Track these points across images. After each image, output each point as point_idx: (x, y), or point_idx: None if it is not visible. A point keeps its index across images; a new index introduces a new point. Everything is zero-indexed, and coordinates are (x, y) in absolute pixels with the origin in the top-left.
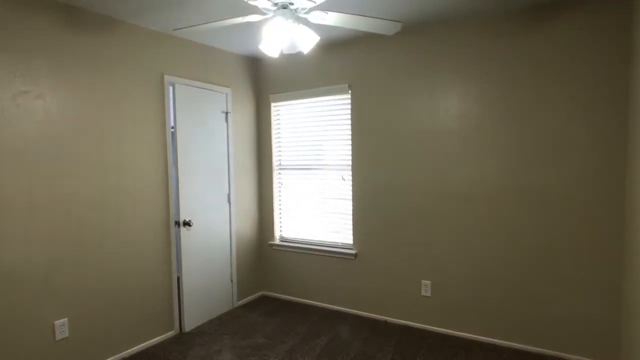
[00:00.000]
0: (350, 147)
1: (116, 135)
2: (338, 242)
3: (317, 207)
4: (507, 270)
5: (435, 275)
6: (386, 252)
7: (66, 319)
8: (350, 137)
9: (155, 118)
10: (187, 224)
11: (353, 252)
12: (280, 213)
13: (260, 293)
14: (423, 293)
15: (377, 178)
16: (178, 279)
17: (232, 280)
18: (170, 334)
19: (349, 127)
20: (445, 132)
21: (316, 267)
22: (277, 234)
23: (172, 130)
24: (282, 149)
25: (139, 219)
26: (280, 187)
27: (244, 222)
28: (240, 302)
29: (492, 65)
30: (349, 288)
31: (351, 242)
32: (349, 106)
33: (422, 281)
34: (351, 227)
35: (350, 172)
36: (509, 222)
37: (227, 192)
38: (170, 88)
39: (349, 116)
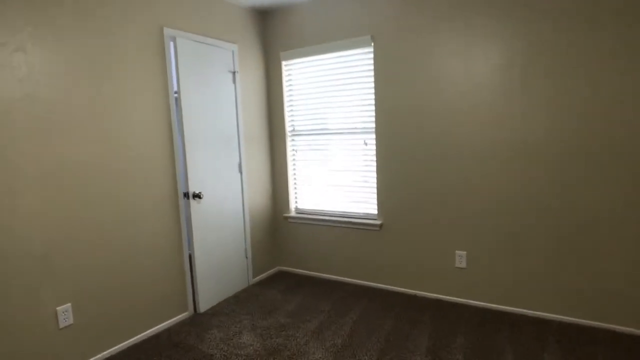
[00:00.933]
0: (373, 108)
1: (114, 98)
2: (360, 213)
3: (335, 176)
4: (557, 242)
5: (471, 245)
6: (414, 221)
7: (69, 304)
8: (373, 96)
9: (155, 78)
10: (197, 196)
11: (378, 222)
12: (295, 183)
13: (276, 269)
14: (457, 265)
15: (404, 141)
16: (190, 256)
17: (247, 256)
18: (184, 315)
19: (372, 85)
20: (485, 86)
21: (336, 240)
22: (293, 205)
23: (176, 95)
24: (295, 113)
25: (144, 192)
26: (294, 154)
27: (257, 193)
28: (256, 279)
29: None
30: (374, 261)
31: (375, 212)
32: (372, 61)
33: (457, 252)
34: (375, 196)
35: (373, 136)
36: (563, 187)
37: (238, 161)
38: (171, 43)
39: (372, 73)
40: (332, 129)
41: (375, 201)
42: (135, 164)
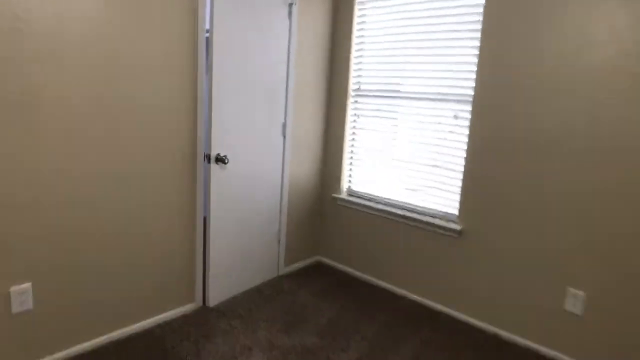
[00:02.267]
0: (475, 70)
1: (125, 27)
2: (434, 210)
3: (405, 155)
4: None
5: (593, 283)
6: (511, 235)
7: (29, 284)
8: (477, 54)
9: (180, 8)
10: (220, 159)
11: (457, 227)
12: (351, 157)
13: (315, 259)
14: (568, 307)
15: (514, 122)
16: (205, 232)
17: (279, 241)
18: (187, 308)
19: (476, 38)
20: None
21: (396, 238)
22: (345, 184)
23: (208, 35)
24: (363, 67)
25: (151, 146)
26: (355, 120)
27: (303, 164)
28: (288, 269)
29: None
30: (445, 276)
31: (456, 212)
32: (481, 7)
33: (569, 289)
34: (458, 190)
35: (468, 108)
36: None
37: (282, 120)
38: None
39: (478, 23)
40: (411, 92)
41: (457, 198)
42: (146, 111)
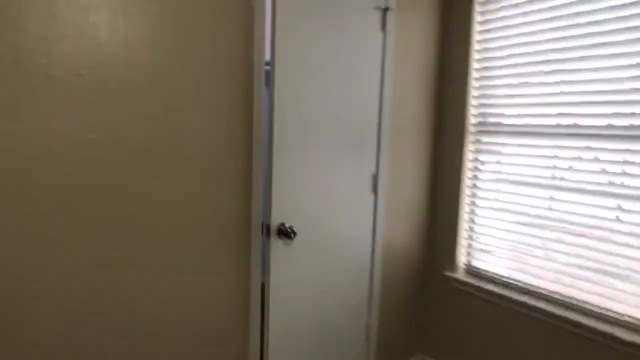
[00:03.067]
0: None
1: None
2: (629, 315)
3: (573, 220)
4: None
5: None
6: None
7: None
8: None
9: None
10: (284, 232)
11: None
12: (472, 219)
13: (416, 358)
14: None
15: None
16: (262, 338)
17: (368, 337)
18: None
19: None
20: None
21: (543, 347)
22: (463, 259)
23: (268, 67)
24: (491, 92)
25: (186, 215)
26: (478, 167)
27: (401, 230)
28: None
29: None
30: None
31: None
32: None
33: None
34: None
35: None
36: None
37: (373, 171)
38: None
39: None
40: (579, 127)
41: None
42: (174, 171)
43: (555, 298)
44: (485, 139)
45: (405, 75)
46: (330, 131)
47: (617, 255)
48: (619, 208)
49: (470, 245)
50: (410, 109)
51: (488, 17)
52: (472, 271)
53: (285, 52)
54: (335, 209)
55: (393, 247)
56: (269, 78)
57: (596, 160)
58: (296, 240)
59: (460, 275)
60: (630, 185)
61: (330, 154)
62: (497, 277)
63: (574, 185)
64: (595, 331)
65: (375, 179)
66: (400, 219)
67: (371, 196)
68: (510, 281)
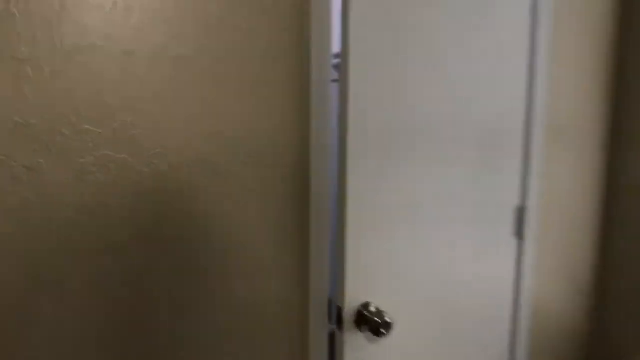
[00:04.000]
0: None
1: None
2: None
3: None
4: None
5: None
6: None
7: None
8: None
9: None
10: (371, 323)
11: None
12: None
13: None
14: None
15: None
16: None
17: None
18: None
19: None
20: None
21: None
22: None
23: (337, 61)
24: None
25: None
26: None
27: (558, 287)
28: None
29: None
30: None
31: None
32: None
33: None
34: None
35: None
36: None
37: (517, 202)
38: None
39: None
40: None
41: None
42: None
43: None
44: None
45: (570, 47)
46: (441, 137)
47: None
48: None
49: None
50: (575, 104)
51: None
52: None
53: (361, 41)
54: (454, 272)
55: (545, 326)
56: (339, 72)
57: None
58: (394, 337)
59: None
60: None
61: (441, 172)
62: None
63: None
64: None
65: (520, 214)
66: (558, 282)
67: (512, 243)
68: None
